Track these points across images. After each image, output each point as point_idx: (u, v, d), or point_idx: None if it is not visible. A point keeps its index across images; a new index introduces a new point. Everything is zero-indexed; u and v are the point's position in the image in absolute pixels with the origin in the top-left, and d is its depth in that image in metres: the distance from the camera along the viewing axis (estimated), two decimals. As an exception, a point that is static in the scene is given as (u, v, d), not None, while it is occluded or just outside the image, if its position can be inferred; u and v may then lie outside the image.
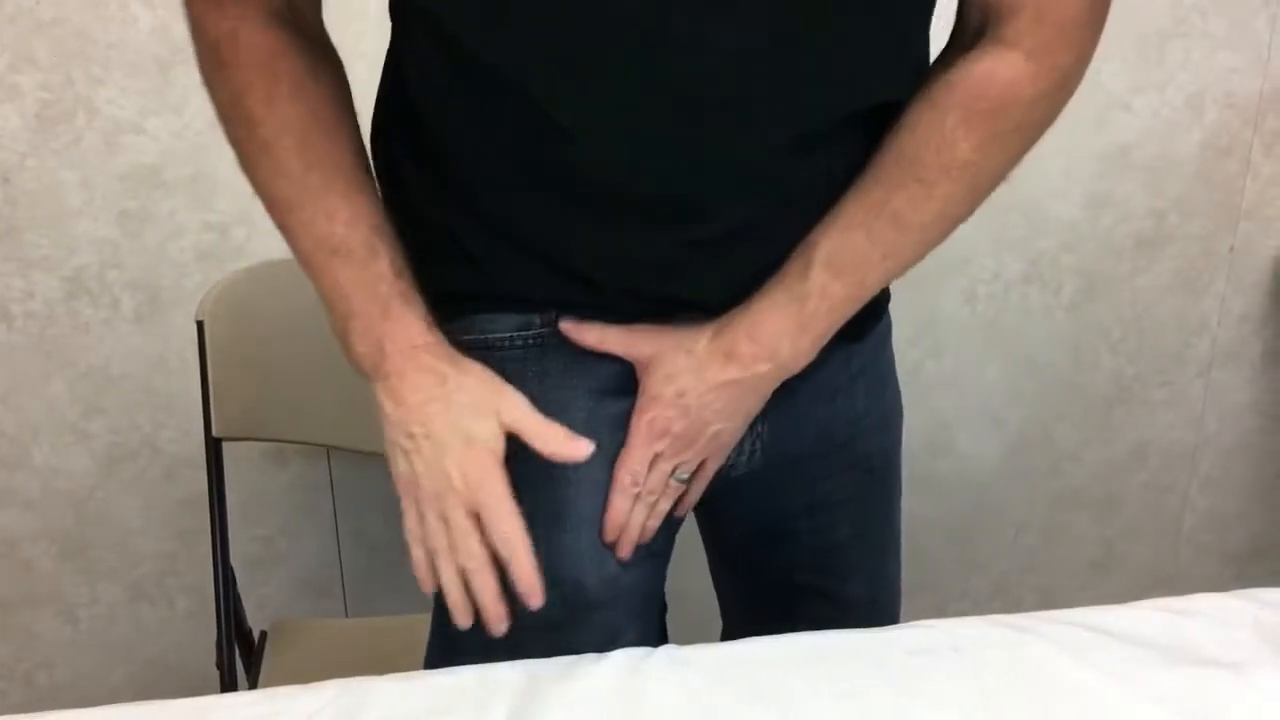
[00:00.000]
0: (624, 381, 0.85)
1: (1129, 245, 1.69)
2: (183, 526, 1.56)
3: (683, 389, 0.82)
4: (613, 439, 0.85)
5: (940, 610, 0.86)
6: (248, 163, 0.79)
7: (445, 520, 0.78)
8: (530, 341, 0.83)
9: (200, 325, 1.24)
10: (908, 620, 0.89)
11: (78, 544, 1.55)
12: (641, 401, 0.83)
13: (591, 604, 0.86)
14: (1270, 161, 1.68)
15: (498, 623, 0.78)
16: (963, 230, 1.67)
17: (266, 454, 1.54)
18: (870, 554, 1.02)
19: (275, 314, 1.27)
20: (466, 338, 0.83)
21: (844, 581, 1.01)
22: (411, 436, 0.78)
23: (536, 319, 0.83)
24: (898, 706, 0.76)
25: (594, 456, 0.84)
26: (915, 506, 1.82)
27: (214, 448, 1.27)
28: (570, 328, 0.83)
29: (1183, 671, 0.79)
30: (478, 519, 0.78)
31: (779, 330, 0.80)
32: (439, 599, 0.93)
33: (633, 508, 0.84)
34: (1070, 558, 1.90)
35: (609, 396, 0.85)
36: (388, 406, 0.79)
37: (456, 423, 0.77)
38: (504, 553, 0.77)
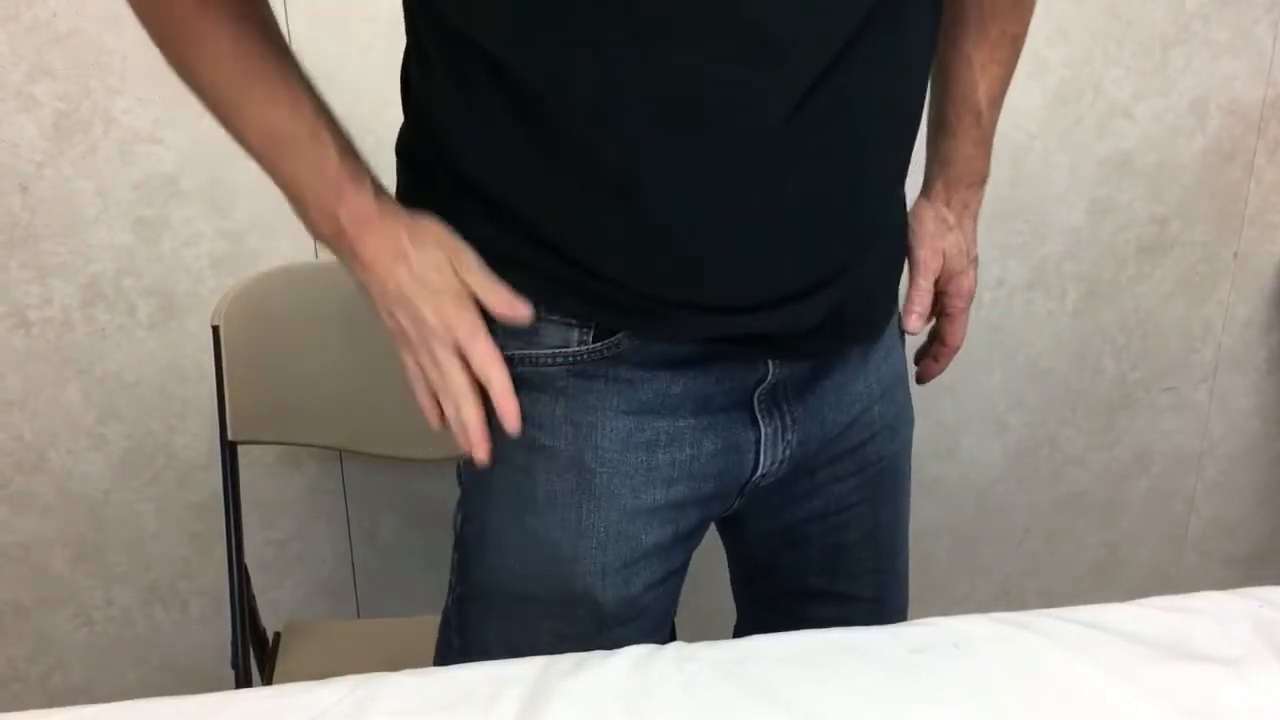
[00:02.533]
0: (665, 401, 0.85)
1: (1132, 251, 1.70)
2: (197, 530, 1.58)
3: (950, 247, 0.97)
4: (649, 458, 0.86)
5: (944, 613, 0.87)
6: (181, 66, 0.81)
7: (435, 360, 0.84)
8: (571, 359, 0.84)
9: (216, 330, 1.25)
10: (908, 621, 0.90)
11: (93, 547, 1.57)
12: (925, 273, 0.97)
13: (610, 622, 0.88)
14: (1273, 167, 1.69)
15: (482, 450, 0.84)
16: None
17: (280, 458, 1.56)
18: (879, 556, 1.03)
19: (289, 319, 1.29)
20: (508, 354, 0.84)
21: (853, 583, 1.02)
22: (388, 294, 0.83)
23: (575, 336, 0.83)
24: (900, 702, 0.78)
25: (623, 480, 0.86)
26: (919, 510, 1.83)
27: (229, 451, 1.29)
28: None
29: (1182, 668, 0.80)
30: (462, 356, 0.83)
31: (981, 167, 0.99)
32: (447, 616, 0.95)
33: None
34: (1074, 562, 1.90)
35: (649, 416, 0.85)
36: (360, 275, 0.84)
37: (422, 277, 0.82)
38: (483, 375, 0.83)
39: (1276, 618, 0.86)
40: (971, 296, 1.01)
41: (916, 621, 0.87)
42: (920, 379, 1.06)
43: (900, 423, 1.01)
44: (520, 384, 0.84)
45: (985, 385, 1.74)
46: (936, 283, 0.98)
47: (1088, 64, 1.57)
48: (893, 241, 0.94)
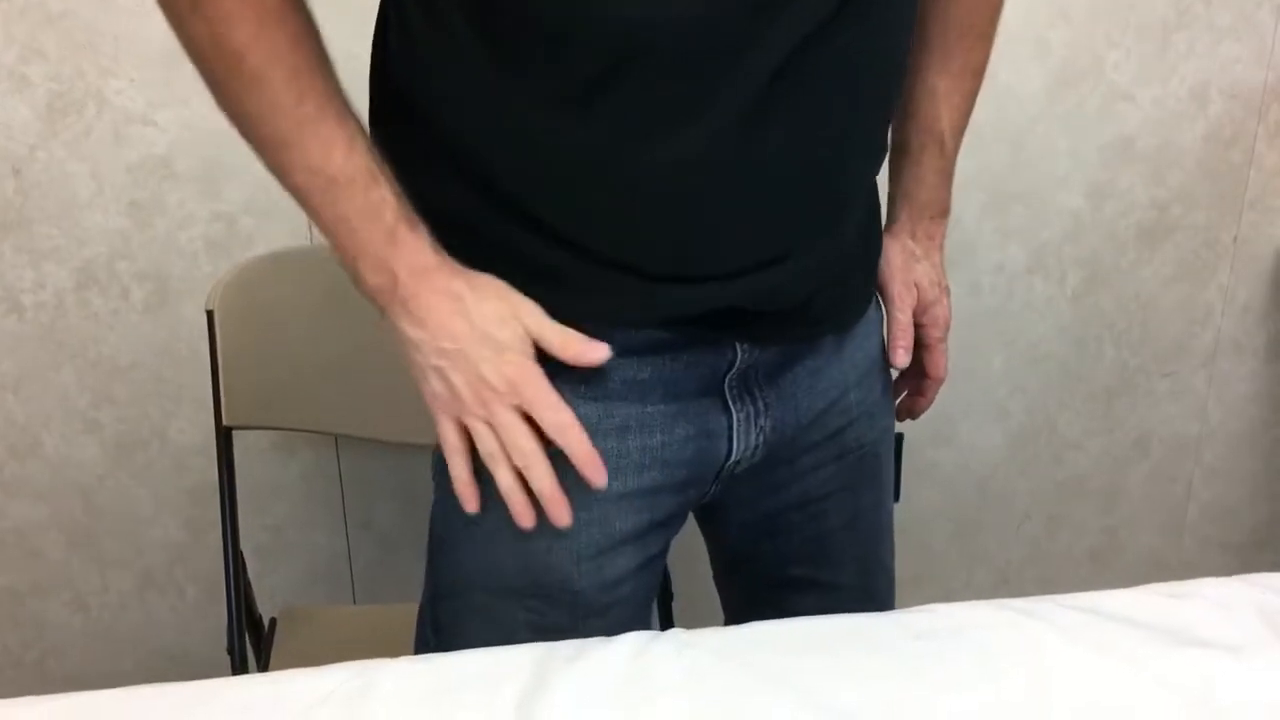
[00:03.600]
0: (633, 388, 0.85)
1: (1133, 236, 1.69)
2: (192, 515, 1.57)
3: (921, 279, 0.99)
4: (619, 445, 0.85)
5: (944, 599, 0.87)
6: (232, 100, 0.75)
7: (492, 424, 0.79)
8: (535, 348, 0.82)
9: (210, 315, 1.25)
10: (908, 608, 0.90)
11: (87, 533, 1.56)
12: (902, 307, 0.97)
13: (586, 611, 0.87)
14: (1274, 152, 1.68)
15: (562, 511, 0.80)
16: (966, 222, 1.69)
17: (275, 443, 1.55)
18: (861, 543, 1.03)
19: (285, 303, 1.28)
20: None
21: (836, 570, 1.02)
22: (443, 353, 0.78)
23: None
24: (902, 688, 0.77)
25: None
26: (918, 496, 1.84)
27: (224, 437, 1.28)
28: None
29: (1184, 653, 0.80)
30: (524, 417, 0.79)
31: (944, 197, 1.00)
32: (422, 612, 0.94)
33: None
34: (1073, 548, 1.90)
35: (617, 402, 0.85)
36: (410, 331, 0.79)
37: (484, 333, 0.78)
38: (560, 440, 0.79)
39: (1278, 603, 0.86)
40: (948, 326, 1.01)
41: (919, 608, 0.86)
42: (910, 415, 1.07)
43: (879, 410, 1.00)
44: None
45: (985, 371, 1.74)
46: (914, 314, 0.99)
47: (1089, 47, 1.56)
48: (868, 226, 0.94)
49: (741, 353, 0.86)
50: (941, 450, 1.78)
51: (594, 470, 0.80)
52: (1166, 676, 0.78)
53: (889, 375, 1.02)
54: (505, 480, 0.80)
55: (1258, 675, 0.79)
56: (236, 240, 1.43)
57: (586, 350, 0.80)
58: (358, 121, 0.78)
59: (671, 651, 0.81)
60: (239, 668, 1.27)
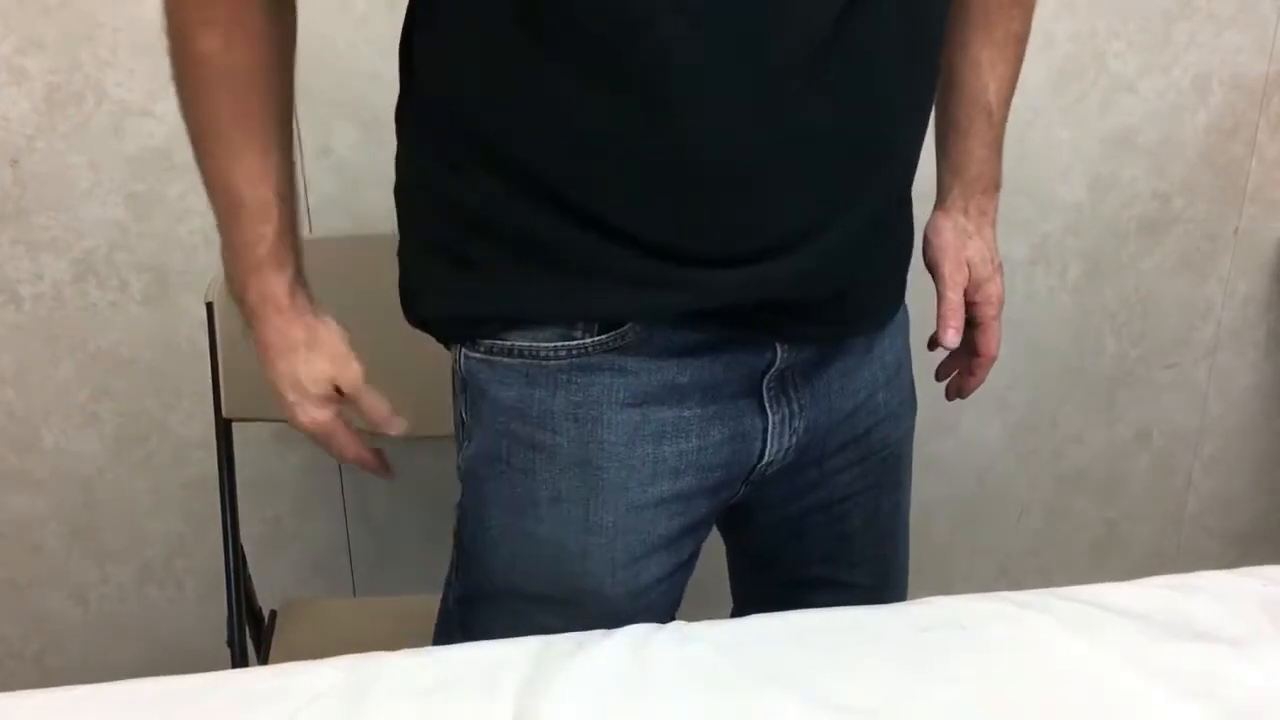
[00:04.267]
0: (671, 392, 0.84)
1: (1134, 228, 1.69)
2: (192, 508, 1.57)
3: (973, 256, 0.97)
4: (655, 450, 0.85)
5: (944, 591, 0.87)
6: (180, 90, 0.82)
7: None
8: (575, 351, 0.82)
9: (210, 307, 1.24)
10: (909, 600, 0.90)
11: (87, 526, 1.56)
12: (953, 286, 0.95)
13: (618, 617, 0.86)
14: (1276, 144, 1.67)
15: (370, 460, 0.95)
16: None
17: (276, 435, 1.55)
18: (879, 544, 1.03)
19: (284, 295, 1.27)
20: (509, 344, 0.83)
21: (853, 571, 1.02)
22: (269, 375, 0.89)
23: (580, 328, 0.82)
24: (904, 681, 0.77)
25: (630, 474, 0.85)
26: (919, 488, 1.82)
27: (224, 429, 1.28)
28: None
29: (1186, 647, 0.80)
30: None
31: (995, 171, 0.99)
32: (448, 612, 0.95)
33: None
34: (1073, 540, 1.90)
35: (654, 407, 0.84)
36: (256, 345, 0.88)
37: (296, 383, 0.88)
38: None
39: (1281, 596, 0.86)
40: (1001, 303, 0.99)
41: (920, 600, 0.86)
42: (960, 394, 1.05)
43: (904, 410, 1.00)
44: (518, 376, 0.83)
45: (985, 363, 1.73)
46: (965, 293, 0.97)
47: (1091, 38, 1.56)
48: (901, 225, 0.93)
49: (781, 352, 0.85)
50: (942, 442, 1.77)
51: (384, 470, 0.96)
52: (1168, 669, 0.78)
53: (912, 377, 1.02)
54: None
55: (1259, 668, 0.78)
56: (236, 232, 1.43)
57: (388, 420, 0.91)
58: (283, 151, 0.84)
59: (672, 644, 0.80)
60: (239, 660, 1.27)
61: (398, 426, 0.91)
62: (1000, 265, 0.99)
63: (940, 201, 0.99)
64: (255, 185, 0.82)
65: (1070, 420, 1.80)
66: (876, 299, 0.91)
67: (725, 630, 0.83)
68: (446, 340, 0.88)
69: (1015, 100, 1.56)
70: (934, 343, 0.96)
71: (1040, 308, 1.71)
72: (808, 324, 0.85)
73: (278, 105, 0.83)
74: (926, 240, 0.97)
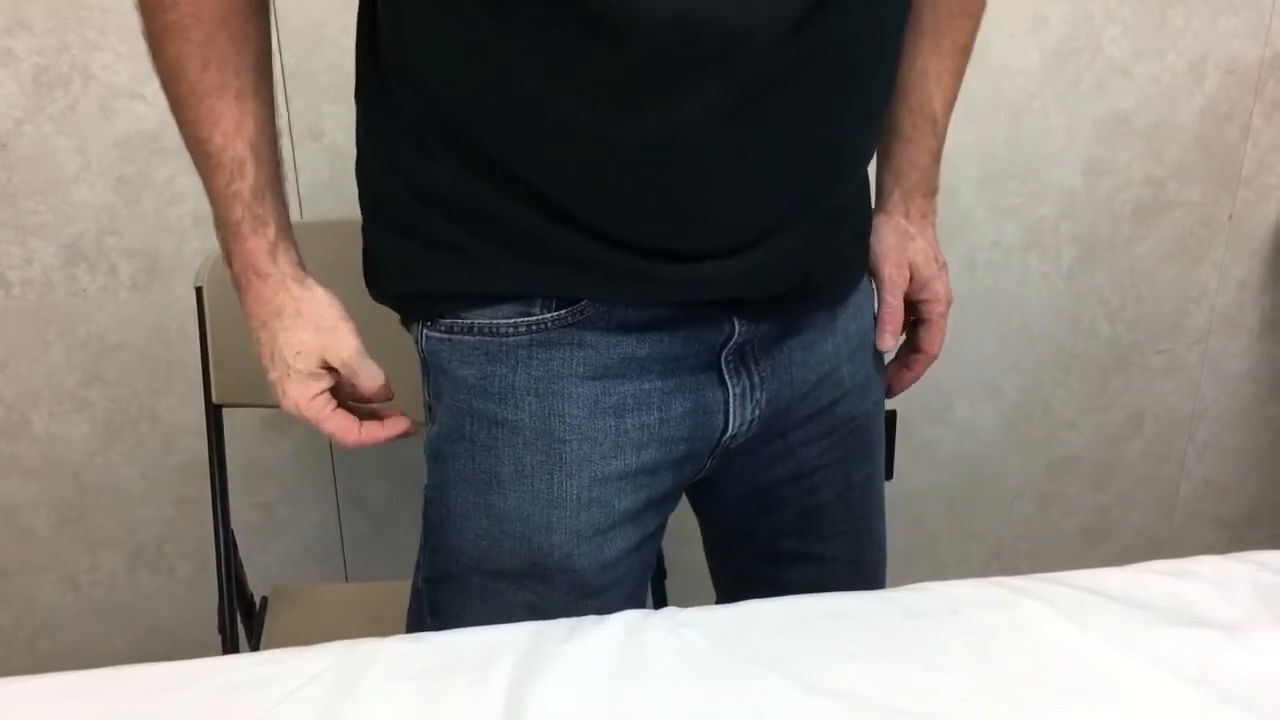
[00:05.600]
0: (630, 365, 0.84)
1: (1128, 213, 1.69)
2: (182, 494, 1.57)
3: (916, 257, 0.97)
4: (617, 423, 0.85)
5: (937, 577, 0.87)
6: (149, 39, 0.80)
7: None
8: (534, 327, 0.83)
9: (199, 291, 1.23)
10: (901, 585, 0.89)
11: (78, 511, 1.56)
12: (893, 289, 0.97)
13: (586, 590, 0.87)
14: (1270, 129, 1.67)
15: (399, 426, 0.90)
16: (961, 198, 1.67)
17: (266, 421, 1.54)
18: (853, 516, 1.03)
19: (274, 280, 1.27)
20: (468, 322, 0.83)
21: (826, 544, 1.02)
22: (259, 341, 0.84)
23: (538, 304, 0.82)
24: (897, 668, 0.77)
25: (593, 446, 0.85)
26: (912, 474, 1.84)
27: (214, 414, 1.27)
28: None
29: (1180, 632, 0.80)
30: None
31: (935, 176, 0.99)
32: (418, 592, 0.94)
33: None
34: (1066, 525, 1.91)
35: (614, 380, 0.84)
36: (243, 308, 0.84)
37: (279, 355, 0.83)
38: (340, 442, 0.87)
39: (1275, 581, 0.86)
40: (948, 302, 1.00)
41: (913, 586, 0.86)
42: (891, 391, 1.05)
43: (871, 384, 1.00)
44: (479, 353, 0.83)
45: (979, 348, 1.73)
46: (909, 294, 0.98)
47: (1086, 21, 1.55)
48: (861, 199, 0.94)
49: (740, 326, 0.85)
50: (935, 428, 1.77)
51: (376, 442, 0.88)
52: (1162, 655, 0.78)
53: (879, 351, 1.02)
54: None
55: (1253, 653, 0.78)
56: (226, 216, 1.42)
57: (379, 386, 0.86)
58: (259, 100, 0.81)
59: (665, 630, 0.80)
60: (230, 646, 1.27)
61: (387, 391, 0.87)
62: (944, 265, 1.00)
63: (881, 205, 0.99)
64: (229, 136, 0.79)
65: (1063, 405, 1.81)
66: (835, 274, 0.91)
67: (718, 616, 0.83)
68: (407, 319, 0.88)
69: (1010, 84, 1.57)
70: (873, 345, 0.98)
71: (1034, 293, 1.71)
72: (765, 302, 0.85)
73: (252, 51, 0.80)
74: (870, 198, 0.98)
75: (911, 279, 0.98)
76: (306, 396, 0.84)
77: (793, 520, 1.00)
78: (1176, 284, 1.76)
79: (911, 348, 1.02)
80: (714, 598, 1.10)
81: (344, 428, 0.86)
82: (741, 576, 1.07)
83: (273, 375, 0.84)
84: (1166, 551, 1.93)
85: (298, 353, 0.83)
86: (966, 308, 1.68)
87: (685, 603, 0.86)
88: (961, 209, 1.62)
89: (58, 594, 1.60)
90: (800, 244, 0.83)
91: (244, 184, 0.80)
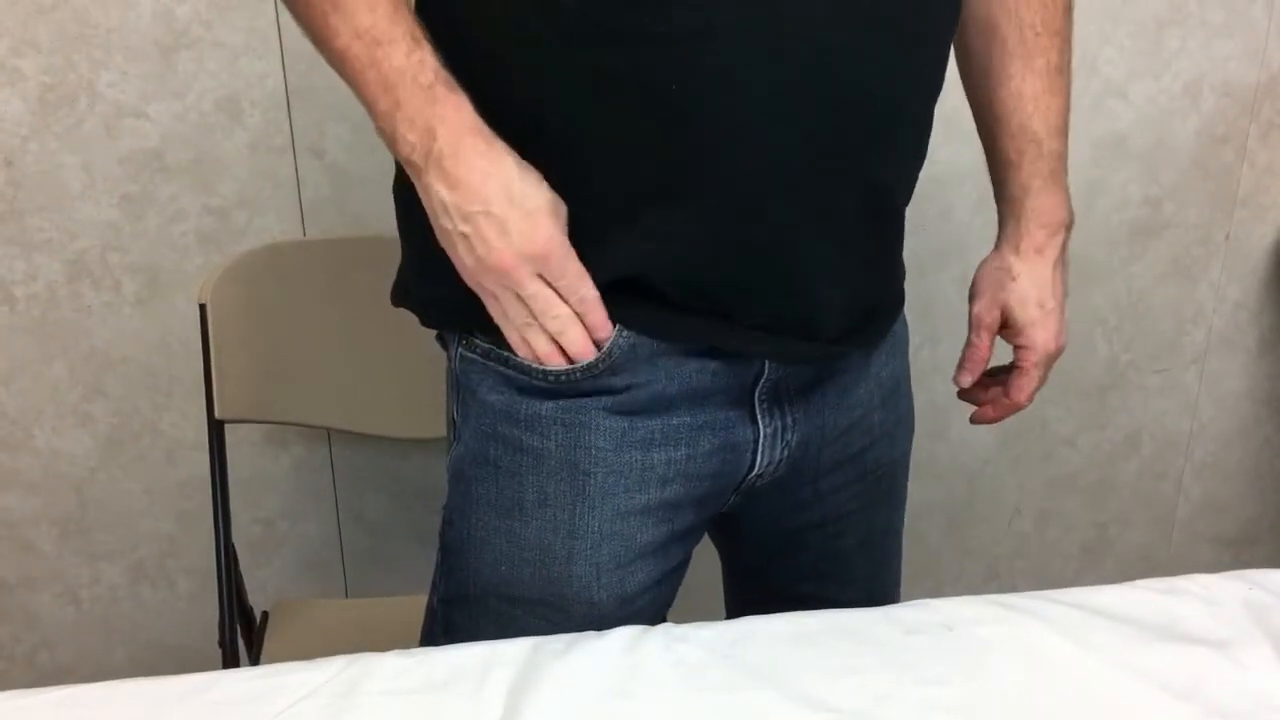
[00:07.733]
0: (660, 400, 0.84)
1: (1125, 233, 1.70)
2: (184, 508, 1.57)
3: (1012, 299, 0.94)
4: (644, 457, 0.85)
5: (935, 594, 0.87)
6: None
7: (520, 294, 0.78)
8: (561, 378, 0.82)
9: (202, 308, 1.24)
10: (899, 602, 0.90)
11: (79, 525, 1.56)
12: (977, 328, 0.96)
13: (604, 623, 0.86)
14: (1266, 150, 1.68)
15: (590, 351, 0.81)
16: (959, 217, 1.68)
17: (268, 436, 1.55)
18: (872, 563, 1.03)
19: (277, 297, 1.28)
20: (504, 354, 0.83)
21: (843, 589, 1.02)
22: (469, 219, 0.77)
23: None
24: (892, 684, 0.77)
25: (618, 479, 0.84)
26: (911, 491, 1.83)
27: (216, 430, 1.28)
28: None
29: (1173, 649, 0.80)
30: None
31: (1054, 204, 0.95)
32: (432, 612, 0.94)
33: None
34: (1064, 543, 1.91)
35: (643, 415, 0.84)
36: (443, 193, 0.77)
37: (515, 195, 0.76)
38: (579, 310, 0.79)
39: (1266, 600, 0.86)
40: (1048, 352, 0.96)
41: (909, 603, 0.87)
42: (974, 418, 1.03)
43: (900, 431, 1.00)
44: (506, 383, 0.83)
45: (976, 366, 1.73)
46: (1007, 337, 0.96)
47: (1082, 43, 1.56)
48: (893, 244, 0.93)
49: (769, 366, 0.85)
50: (934, 445, 1.78)
51: (604, 329, 0.80)
52: (1155, 672, 0.78)
53: (911, 396, 1.02)
54: (542, 347, 0.80)
55: (1245, 670, 0.79)
56: (228, 233, 1.43)
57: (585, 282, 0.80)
58: None
59: (662, 646, 0.81)
60: (230, 661, 1.27)
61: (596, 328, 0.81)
62: (1056, 310, 0.95)
63: (998, 241, 0.98)
64: (393, 17, 0.75)
65: (1061, 424, 1.81)
66: (866, 319, 0.90)
67: (714, 632, 0.83)
68: (443, 335, 0.88)
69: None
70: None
71: (1031, 312, 1.72)
72: (796, 347, 0.85)
73: None
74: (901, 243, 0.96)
75: (1007, 322, 0.96)
76: (558, 235, 0.78)
77: (813, 565, 1.00)
78: (1174, 304, 1.76)
79: (1001, 389, 0.99)
80: (713, 615, 1.11)
81: (584, 278, 0.79)
82: (756, 613, 1.06)
83: (509, 214, 0.76)
84: (1164, 570, 1.93)
85: (537, 186, 0.77)
86: (965, 326, 1.69)
87: (683, 619, 0.86)
88: (959, 227, 1.63)
89: (58, 608, 1.60)
90: (847, 296, 0.84)
91: (425, 52, 0.76)
